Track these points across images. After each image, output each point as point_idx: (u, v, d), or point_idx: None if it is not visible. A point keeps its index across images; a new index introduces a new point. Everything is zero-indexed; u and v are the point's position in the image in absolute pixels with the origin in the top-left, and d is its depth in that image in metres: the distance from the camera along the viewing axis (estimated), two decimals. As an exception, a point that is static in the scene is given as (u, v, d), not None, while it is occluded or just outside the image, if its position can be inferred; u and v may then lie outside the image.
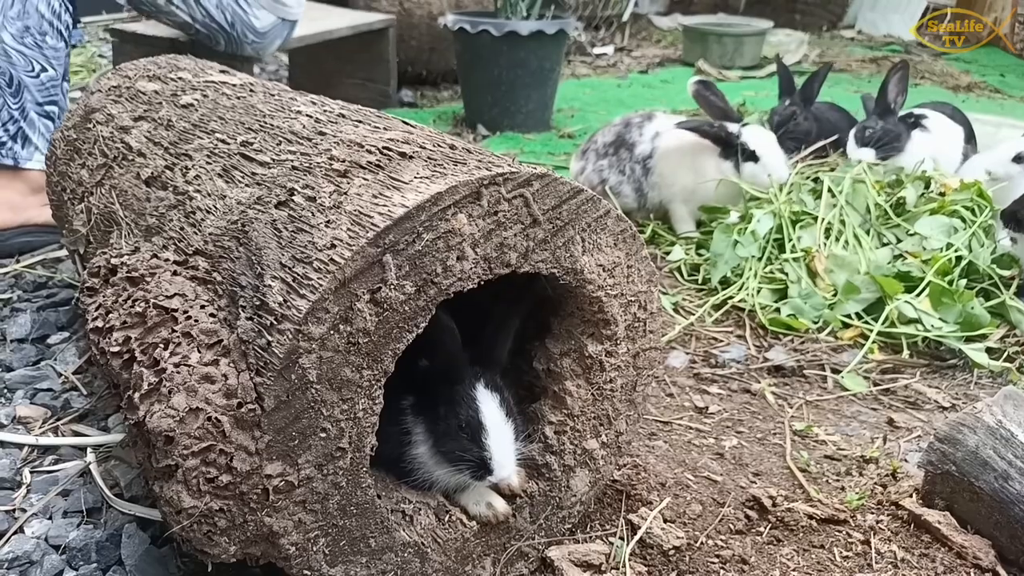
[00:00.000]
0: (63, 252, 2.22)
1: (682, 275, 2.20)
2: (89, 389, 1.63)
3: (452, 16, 3.31)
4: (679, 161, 2.36)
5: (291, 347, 0.79)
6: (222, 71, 1.69)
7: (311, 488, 0.86)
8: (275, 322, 0.81)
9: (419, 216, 0.83)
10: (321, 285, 0.79)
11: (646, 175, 2.39)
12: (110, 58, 3.58)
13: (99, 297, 0.97)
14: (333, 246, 0.81)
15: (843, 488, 1.34)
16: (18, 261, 2.15)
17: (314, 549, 0.89)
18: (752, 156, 2.26)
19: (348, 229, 0.83)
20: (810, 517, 1.23)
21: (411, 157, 0.95)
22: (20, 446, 1.46)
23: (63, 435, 1.49)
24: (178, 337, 0.85)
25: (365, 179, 0.91)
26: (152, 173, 1.25)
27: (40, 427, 1.51)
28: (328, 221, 0.85)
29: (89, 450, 1.43)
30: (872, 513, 1.25)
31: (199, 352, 0.84)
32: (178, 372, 0.81)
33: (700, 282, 2.14)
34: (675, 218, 2.40)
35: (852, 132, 2.49)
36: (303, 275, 0.81)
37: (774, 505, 1.26)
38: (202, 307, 0.89)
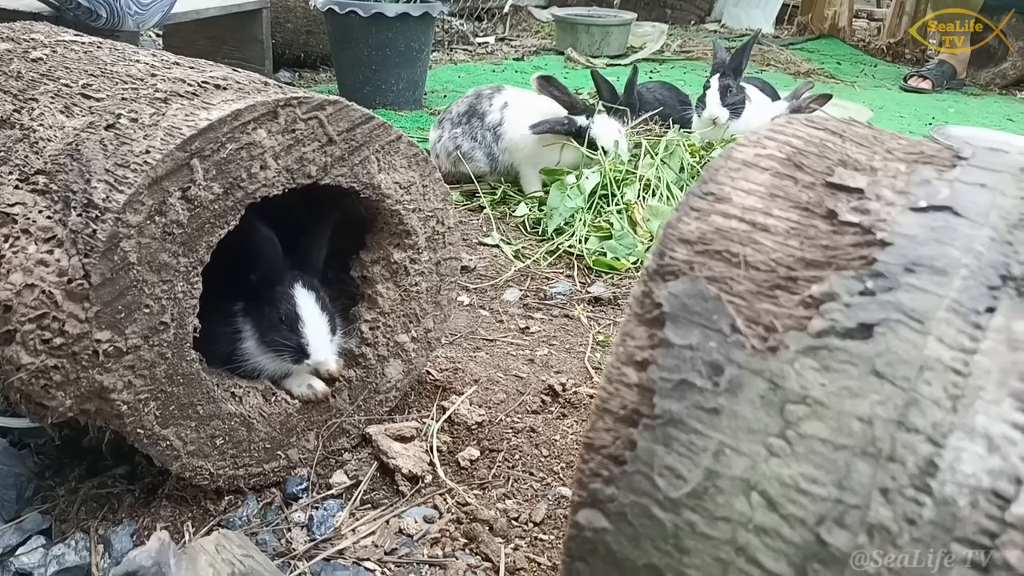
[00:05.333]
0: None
1: (526, 228, 2.46)
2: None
3: (322, -2, 3.47)
4: (527, 130, 2.61)
5: (112, 232, 0.97)
6: (76, 34, 1.81)
7: (139, 356, 1.04)
8: (99, 214, 0.98)
9: (221, 128, 1.03)
10: (136, 182, 0.97)
11: (496, 141, 2.64)
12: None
13: (-53, 211, 1.11)
14: (147, 152, 1.00)
15: (626, 379, 1.62)
16: None
17: (145, 410, 1.07)
18: (600, 148, 2.51)
19: (161, 139, 1.01)
20: (591, 397, 1.50)
21: (224, 88, 1.15)
22: None
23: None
24: (17, 232, 1.02)
25: (181, 104, 1.09)
26: (1, 116, 1.38)
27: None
28: (146, 135, 1.03)
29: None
30: (642, 393, 1.53)
31: (36, 244, 1.01)
32: (16, 257, 0.98)
33: (541, 233, 2.41)
34: (524, 180, 2.66)
35: (715, 87, 2.80)
36: (123, 176, 0.99)
37: (564, 390, 1.52)
38: (40, 212, 1.05)
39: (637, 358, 0.63)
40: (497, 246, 2.33)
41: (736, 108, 2.82)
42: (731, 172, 0.70)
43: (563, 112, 2.55)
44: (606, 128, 2.56)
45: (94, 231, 0.98)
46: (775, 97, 3.06)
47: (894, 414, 0.53)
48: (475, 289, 2.06)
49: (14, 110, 1.38)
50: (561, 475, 1.32)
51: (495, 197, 2.64)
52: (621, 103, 2.76)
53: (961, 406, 0.51)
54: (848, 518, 0.52)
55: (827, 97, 2.90)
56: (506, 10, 6.32)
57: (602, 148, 2.50)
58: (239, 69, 1.32)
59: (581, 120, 2.53)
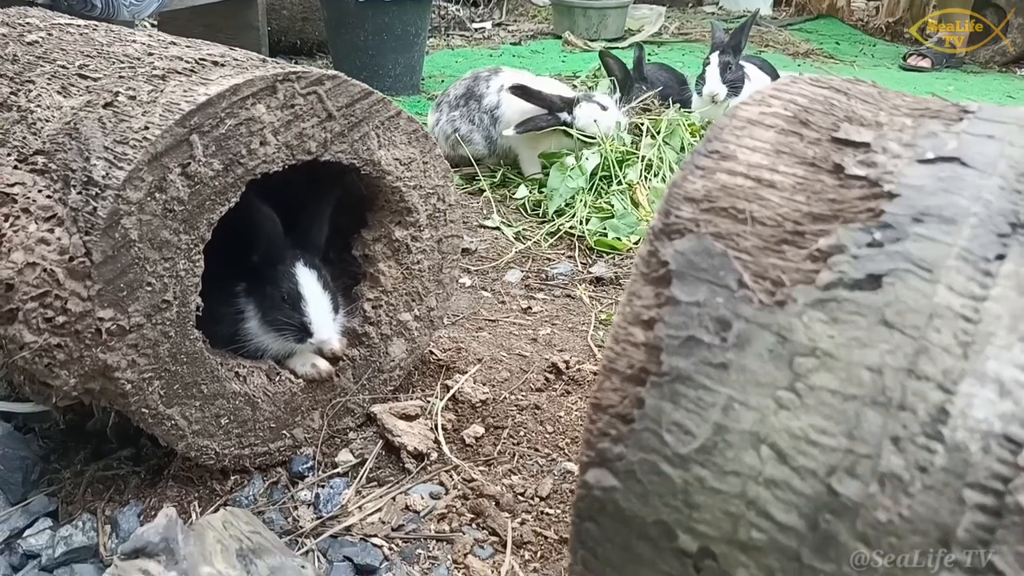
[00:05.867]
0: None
1: (526, 210, 2.46)
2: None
3: (318, -16, 3.44)
4: (525, 111, 2.60)
5: (112, 209, 0.96)
6: (71, 18, 1.80)
7: (142, 334, 1.03)
8: (99, 191, 0.98)
9: (220, 103, 1.02)
10: (136, 158, 0.97)
11: (494, 124, 2.62)
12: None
13: (-54, 193, 1.11)
14: (146, 128, 0.99)
15: (630, 356, 1.62)
16: None
17: (149, 389, 1.07)
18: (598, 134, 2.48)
19: (160, 115, 1.00)
20: (594, 374, 1.50)
21: (222, 65, 1.14)
22: None
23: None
24: (17, 212, 1.01)
25: (180, 81, 1.09)
26: (-2, 100, 1.37)
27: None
28: (144, 112, 1.03)
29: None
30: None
31: (36, 223, 1.00)
32: (16, 235, 0.97)
33: (541, 215, 2.40)
34: (523, 161, 2.64)
35: (715, 63, 2.80)
36: (122, 153, 0.99)
37: (568, 368, 1.52)
38: (40, 191, 1.05)
39: (644, 317, 0.63)
40: (498, 228, 2.32)
41: (735, 86, 2.81)
42: (736, 130, 0.69)
43: (555, 97, 2.51)
44: (590, 117, 2.49)
45: (94, 208, 0.97)
46: (775, 77, 3.05)
47: (904, 363, 0.53)
48: (476, 271, 2.06)
49: (11, 92, 1.37)
50: (566, 451, 1.32)
51: (495, 180, 2.63)
52: (634, 79, 2.74)
53: (972, 352, 0.51)
54: (859, 468, 0.52)
55: None
56: (502, -5, 6.28)
57: (599, 134, 2.46)
58: (236, 48, 1.31)
59: (564, 116, 2.49)
